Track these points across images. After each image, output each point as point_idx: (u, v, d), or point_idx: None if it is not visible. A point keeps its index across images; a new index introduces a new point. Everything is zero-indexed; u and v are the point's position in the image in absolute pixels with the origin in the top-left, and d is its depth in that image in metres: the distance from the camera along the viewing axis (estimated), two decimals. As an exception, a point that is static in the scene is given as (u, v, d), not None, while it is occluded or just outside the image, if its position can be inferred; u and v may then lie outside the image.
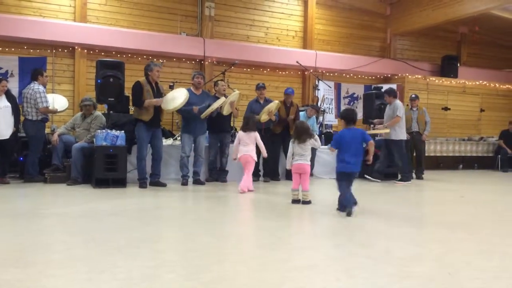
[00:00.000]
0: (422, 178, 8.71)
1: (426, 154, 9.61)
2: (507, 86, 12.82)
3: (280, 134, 7.81)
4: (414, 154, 8.89)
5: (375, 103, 8.70)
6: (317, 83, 9.57)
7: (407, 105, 9.84)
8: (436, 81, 11.82)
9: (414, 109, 8.88)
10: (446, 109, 11.67)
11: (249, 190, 6.28)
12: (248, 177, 6.31)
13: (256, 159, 6.50)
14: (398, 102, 8.01)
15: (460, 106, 12.07)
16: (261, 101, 7.77)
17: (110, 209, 4.75)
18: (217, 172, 7.44)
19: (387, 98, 8.06)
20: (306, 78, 10.99)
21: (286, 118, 7.81)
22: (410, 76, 11.53)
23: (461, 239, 3.72)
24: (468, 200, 6.25)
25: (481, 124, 12.43)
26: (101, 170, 6.27)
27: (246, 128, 6.41)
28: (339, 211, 4.62)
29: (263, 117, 7.44)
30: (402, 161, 7.95)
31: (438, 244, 3.52)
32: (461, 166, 11.69)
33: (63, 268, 2.67)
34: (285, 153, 7.89)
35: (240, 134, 6.42)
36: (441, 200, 6.29)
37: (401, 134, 7.94)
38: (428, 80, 11.71)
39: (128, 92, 7.59)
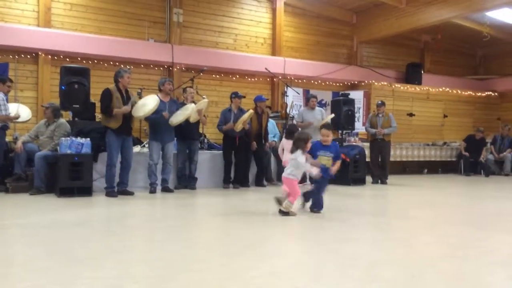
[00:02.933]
0: (386, 183, 8.87)
1: (391, 159, 9.79)
2: (468, 92, 13.26)
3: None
4: (380, 160, 9.03)
5: (343, 109, 8.82)
6: (286, 89, 9.62)
7: (373, 111, 10.04)
8: (401, 87, 12.11)
9: (380, 115, 9.05)
10: (411, 115, 11.96)
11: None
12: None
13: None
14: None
15: (424, 112, 12.39)
16: (235, 110, 7.75)
17: (75, 219, 4.62)
18: (186, 179, 7.37)
19: (315, 102, 8.51)
20: (275, 85, 11.05)
21: (259, 128, 7.84)
22: (376, 83, 11.77)
23: (425, 243, 3.80)
24: (432, 204, 6.39)
25: (444, 130, 12.78)
26: (65, 178, 6.10)
27: (289, 136, 6.93)
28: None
29: (239, 126, 7.46)
30: None
31: (403, 247, 3.58)
32: (425, 170, 11.97)
33: (23, 282, 2.56)
34: (257, 161, 7.90)
35: (284, 141, 6.89)
36: (405, 205, 6.41)
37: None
38: (393, 86, 11.98)
39: (94, 99, 7.44)
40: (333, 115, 8.63)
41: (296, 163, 4.92)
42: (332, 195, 7.15)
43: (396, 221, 5.00)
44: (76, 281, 2.57)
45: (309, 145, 4.99)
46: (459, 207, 6.18)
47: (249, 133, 7.74)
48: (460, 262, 3.15)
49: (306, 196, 5.27)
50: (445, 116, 12.70)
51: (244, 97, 8.00)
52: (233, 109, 7.75)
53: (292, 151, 4.97)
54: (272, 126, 8.65)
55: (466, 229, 4.44)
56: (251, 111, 7.69)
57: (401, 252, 3.42)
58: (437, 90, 12.66)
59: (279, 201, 5.00)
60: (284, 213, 4.88)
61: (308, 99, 8.78)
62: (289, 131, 7.14)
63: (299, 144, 4.94)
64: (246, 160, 7.80)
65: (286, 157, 7.02)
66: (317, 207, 5.18)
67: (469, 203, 6.62)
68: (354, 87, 11.98)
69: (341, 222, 4.62)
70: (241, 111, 7.76)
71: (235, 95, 7.80)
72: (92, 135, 6.63)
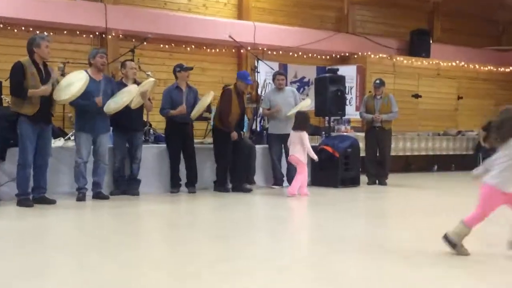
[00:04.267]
0: (385, 184, 9.03)
1: (393, 153, 9.97)
2: (488, 67, 13.60)
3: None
4: (378, 154, 9.19)
5: (330, 89, 8.89)
6: (256, 64, 9.63)
7: (370, 92, 10.16)
8: (405, 61, 12.34)
9: (378, 97, 9.17)
10: (416, 96, 12.16)
11: (303, 195, 7.35)
12: (297, 179, 7.39)
13: (304, 161, 7.46)
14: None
15: (434, 92, 12.67)
16: (183, 87, 7.73)
17: (-24, 235, 4.56)
18: (126, 183, 7.34)
19: (283, 81, 8.60)
20: (242, 58, 11.09)
21: (240, 113, 7.89)
22: (372, 56, 11.96)
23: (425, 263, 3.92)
24: (440, 209, 6.54)
25: (459, 115, 13.14)
26: (-38, 183, 5.98)
27: (294, 126, 7.58)
28: None
29: (196, 115, 7.56)
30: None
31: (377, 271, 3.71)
32: (435, 167, 12.25)
33: None
34: (237, 156, 7.86)
35: (291, 132, 7.60)
36: (406, 211, 6.54)
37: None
38: (394, 60, 12.20)
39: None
40: (309, 99, 8.70)
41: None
42: (314, 198, 7.26)
43: (384, 237, 5.12)
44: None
45: None
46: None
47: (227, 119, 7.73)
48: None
49: None
50: (459, 97, 13.01)
51: (192, 68, 7.94)
52: (180, 87, 7.74)
53: (503, 138, 3.89)
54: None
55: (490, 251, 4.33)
56: (212, 93, 7.70)
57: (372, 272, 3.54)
58: (449, 64, 12.95)
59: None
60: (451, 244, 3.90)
61: (273, 77, 8.79)
62: (298, 120, 7.53)
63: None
64: (224, 155, 7.81)
65: (293, 151, 7.50)
66: None
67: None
68: (344, 60, 12.11)
69: (318, 238, 4.71)
70: (190, 89, 7.78)
71: (180, 68, 7.73)
72: (-1, 125, 6.52)
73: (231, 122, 7.76)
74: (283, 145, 8.29)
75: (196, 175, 7.77)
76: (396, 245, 4.34)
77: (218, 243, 4.42)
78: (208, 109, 8.71)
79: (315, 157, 7.60)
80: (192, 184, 7.72)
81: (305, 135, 7.45)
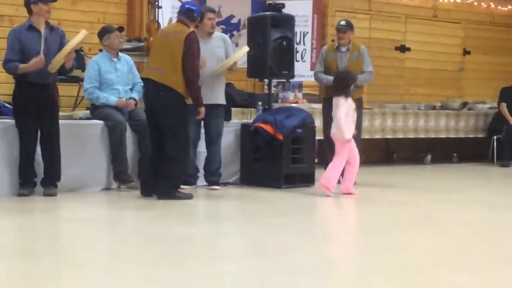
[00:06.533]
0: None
1: (366, 136, 10.07)
2: (508, 7, 13.87)
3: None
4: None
5: (271, 36, 8.89)
6: (155, -7, 9.57)
7: (332, 40, 10.20)
8: (386, -5, 12.50)
9: (344, 49, 9.21)
10: (403, 49, 12.33)
11: (344, 192, 8.11)
12: (331, 166, 8.04)
13: (339, 136, 8.04)
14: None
15: (428, 44, 12.94)
16: (41, 28, 7.50)
17: None
18: None
19: (214, 22, 8.80)
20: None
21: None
22: (337, -15, 12.05)
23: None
24: (435, 223, 6.64)
25: (465, 79, 13.47)
26: None
27: (340, 89, 8.21)
28: None
29: (55, 61, 7.37)
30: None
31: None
32: (429, 157, 12.45)
33: None
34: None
35: (336, 101, 8.21)
36: (385, 225, 6.57)
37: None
38: (370, -6, 12.32)
39: None
40: (247, 48, 8.66)
41: None
42: (243, 206, 7.24)
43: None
44: None
45: None
46: (478, 228, 6.41)
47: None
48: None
49: None
50: (465, 52, 13.33)
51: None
52: (36, 26, 7.56)
53: None
54: (129, 67, 8.63)
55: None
56: (83, 32, 7.54)
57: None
58: (452, 1, 13.12)
59: None
60: None
61: (201, 16, 8.63)
62: (335, 81, 8.14)
63: None
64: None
65: (341, 125, 7.95)
66: None
67: (495, 220, 6.86)
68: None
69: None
70: (53, 30, 7.70)
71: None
72: None
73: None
74: (202, 122, 8.33)
75: (59, 168, 7.71)
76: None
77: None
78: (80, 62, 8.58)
79: (344, 133, 7.99)
80: (51, 182, 7.66)
81: (339, 102, 8.02)
